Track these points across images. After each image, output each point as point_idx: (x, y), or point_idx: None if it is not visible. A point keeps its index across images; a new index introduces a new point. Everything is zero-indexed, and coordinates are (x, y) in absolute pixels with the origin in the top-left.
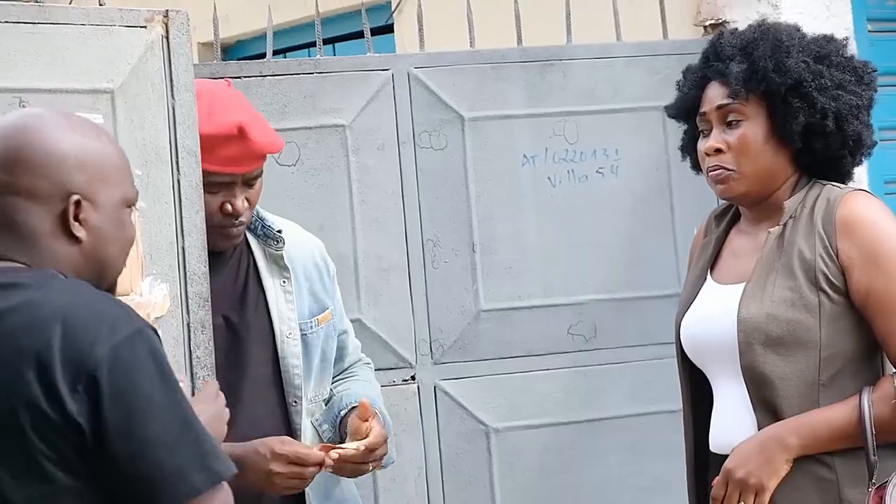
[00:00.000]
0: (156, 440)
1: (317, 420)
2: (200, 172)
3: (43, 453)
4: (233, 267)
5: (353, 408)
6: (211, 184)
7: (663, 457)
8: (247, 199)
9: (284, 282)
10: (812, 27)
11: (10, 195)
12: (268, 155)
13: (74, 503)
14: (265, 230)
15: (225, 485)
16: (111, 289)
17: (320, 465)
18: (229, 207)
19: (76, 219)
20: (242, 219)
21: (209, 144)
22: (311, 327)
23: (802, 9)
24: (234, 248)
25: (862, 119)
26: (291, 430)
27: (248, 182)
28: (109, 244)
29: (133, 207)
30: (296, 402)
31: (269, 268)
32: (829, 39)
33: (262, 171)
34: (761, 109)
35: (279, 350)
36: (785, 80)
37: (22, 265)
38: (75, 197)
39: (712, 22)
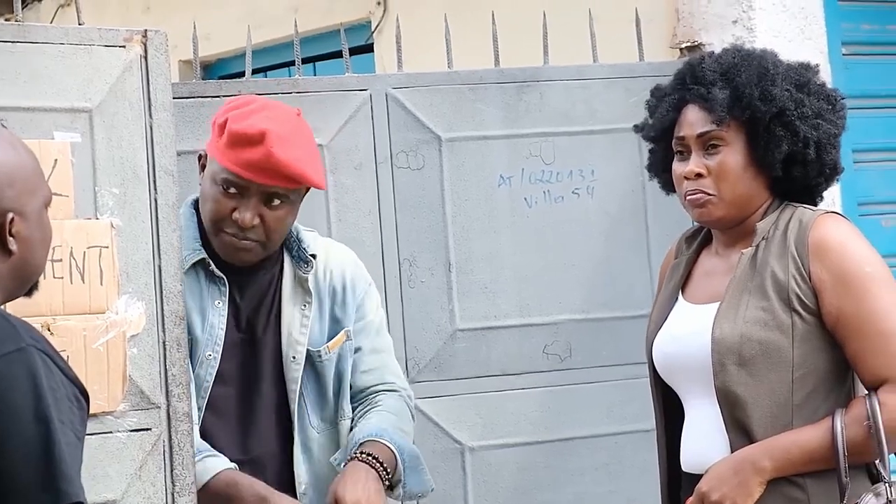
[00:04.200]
0: (13, 455)
1: (335, 460)
2: (176, 192)
3: None
4: (263, 284)
5: (363, 443)
6: (227, 183)
7: (638, 476)
8: (262, 217)
9: (305, 306)
10: (787, 50)
11: None
12: (304, 189)
13: None
14: (300, 252)
15: None
16: (34, 288)
17: None
18: (237, 215)
19: (10, 234)
20: (251, 235)
21: (232, 142)
22: (322, 355)
23: (777, 32)
24: (269, 267)
25: (838, 146)
26: (290, 451)
27: (267, 200)
28: (37, 249)
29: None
30: (295, 424)
31: (294, 290)
32: (805, 67)
33: (289, 198)
34: (742, 135)
35: (284, 373)
36: (770, 108)
37: None
38: (10, 215)
39: (688, 44)
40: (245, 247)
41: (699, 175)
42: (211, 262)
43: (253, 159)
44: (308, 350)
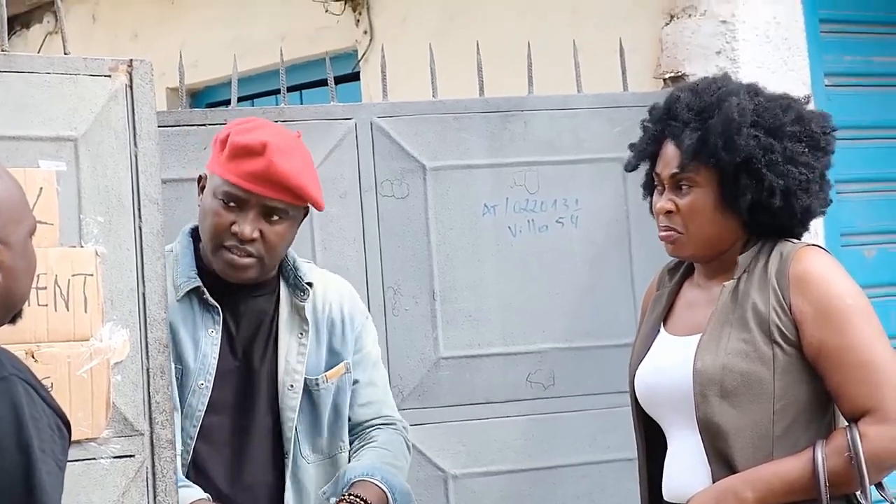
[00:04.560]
0: None
1: (324, 493)
2: (161, 220)
3: None
4: (259, 312)
5: (353, 483)
6: (227, 195)
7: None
8: (262, 232)
9: (301, 334)
10: (770, 81)
11: None
12: (303, 210)
13: None
14: (296, 280)
15: None
16: (17, 316)
17: None
18: (236, 228)
19: None
20: (250, 249)
21: (233, 154)
22: (320, 383)
23: (761, 63)
24: (265, 294)
25: (812, 191)
26: (283, 480)
27: (267, 214)
28: (22, 278)
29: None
30: (287, 453)
31: (291, 318)
32: (786, 105)
33: (288, 214)
34: (712, 178)
35: (280, 401)
36: (734, 157)
37: None
38: None
39: (672, 75)
40: (244, 263)
41: (670, 212)
42: (205, 291)
43: (254, 170)
44: (305, 378)
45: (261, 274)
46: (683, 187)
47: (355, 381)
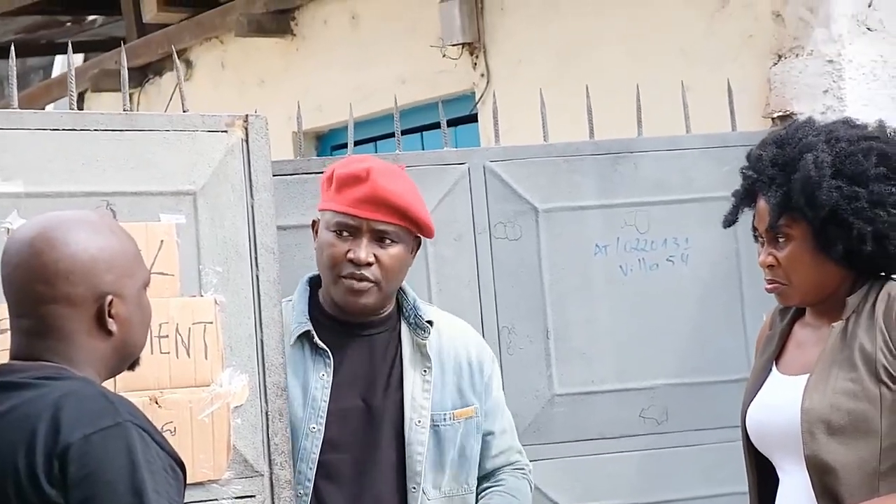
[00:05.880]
0: None
1: None
2: (277, 268)
3: None
4: (380, 350)
5: None
6: (339, 225)
7: None
8: (376, 256)
9: (425, 371)
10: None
11: (49, 304)
12: (415, 239)
13: None
14: (416, 319)
15: None
16: (135, 363)
17: None
18: (352, 254)
19: (110, 315)
20: (367, 274)
21: (340, 185)
22: (446, 419)
23: (868, 101)
24: (384, 334)
25: None
26: None
27: (378, 238)
28: (137, 328)
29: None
30: (415, 488)
31: (413, 356)
32: (867, 148)
33: (399, 236)
34: (805, 229)
35: (406, 436)
36: (818, 212)
37: (53, 364)
38: (109, 298)
39: (780, 114)
40: (362, 288)
41: (771, 266)
42: (315, 335)
43: (360, 195)
44: (431, 414)
45: (379, 300)
46: (780, 240)
47: (490, 433)
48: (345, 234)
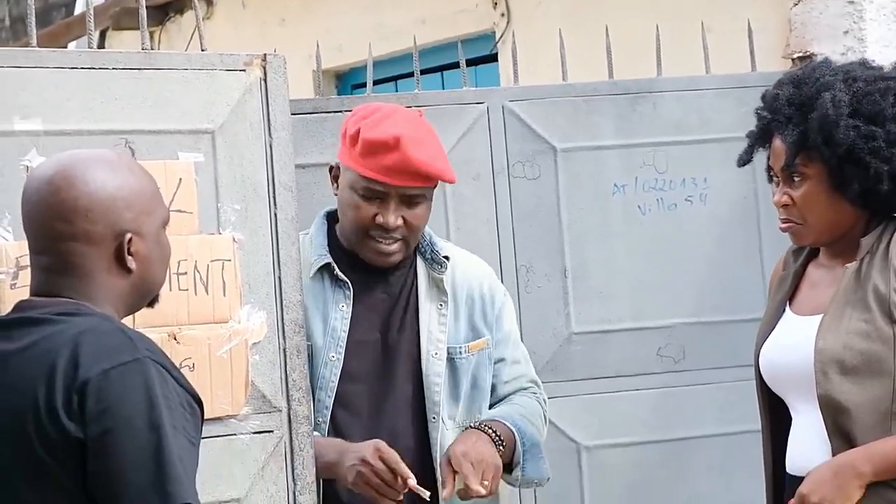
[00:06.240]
0: (124, 460)
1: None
2: (295, 207)
3: (53, 468)
4: (397, 287)
5: (483, 421)
6: (367, 190)
7: (750, 475)
8: (404, 217)
9: (441, 305)
10: None
11: (68, 241)
12: (438, 184)
13: None
14: (433, 254)
15: None
16: (154, 300)
17: (405, 483)
18: (380, 219)
19: (129, 253)
20: (395, 235)
21: (368, 150)
22: (461, 352)
23: (888, 42)
24: (402, 269)
25: None
26: (429, 445)
27: (407, 201)
28: (156, 266)
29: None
30: (434, 417)
31: (429, 290)
32: (885, 88)
33: (425, 197)
34: (821, 169)
35: (423, 368)
36: (835, 150)
37: (72, 301)
38: (128, 235)
39: (800, 55)
40: (392, 250)
41: (786, 205)
42: (335, 267)
43: (390, 164)
44: (447, 347)
45: (406, 255)
46: (796, 179)
47: (501, 360)
48: (372, 197)
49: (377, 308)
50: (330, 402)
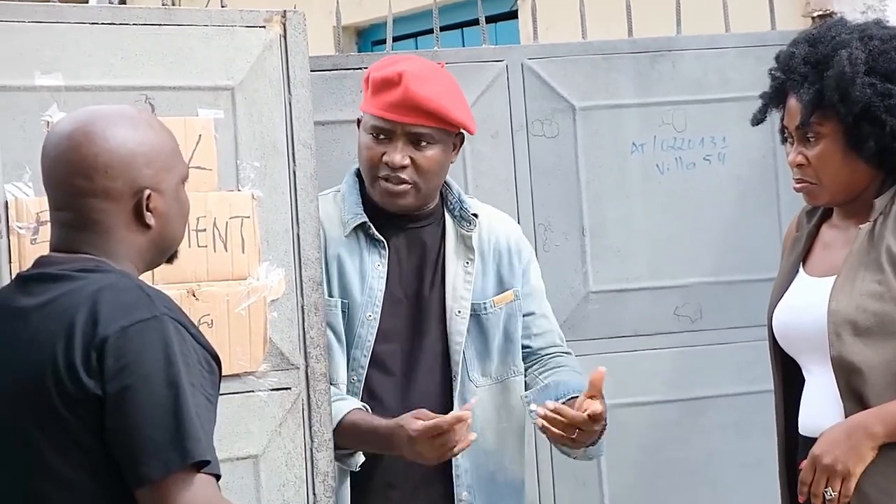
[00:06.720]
0: (142, 417)
1: (526, 398)
2: (314, 164)
3: (73, 425)
4: (426, 244)
5: (571, 398)
6: (375, 129)
7: (766, 434)
8: (412, 158)
9: (468, 263)
10: None
11: (88, 198)
12: (455, 135)
13: (107, 469)
14: (462, 212)
15: (206, 477)
16: (173, 257)
17: (459, 420)
18: (387, 158)
19: (148, 209)
20: (403, 176)
21: (376, 88)
22: (488, 308)
23: None
24: (431, 226)
25: None
26: (452, 404)
27: (415, 141)
28: (175, 222)
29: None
30: (455, 377)
31: (457, 248)
32: None
33: (434, 138)
34: (836, 128)
35: (448, 327)
36: (851, 108)
37: (91, 257)
38: (147, 192)
39: (820, 13)
40: (399, 190)
41: (801, 164)
42: (371, 226)
43: (393, 100)
44: (473, 304)
45: (418, 200)
46: (811, 139)
47: (531, 313)
48: (381, 136)
49: (410, 266)
50: (366, 361)
